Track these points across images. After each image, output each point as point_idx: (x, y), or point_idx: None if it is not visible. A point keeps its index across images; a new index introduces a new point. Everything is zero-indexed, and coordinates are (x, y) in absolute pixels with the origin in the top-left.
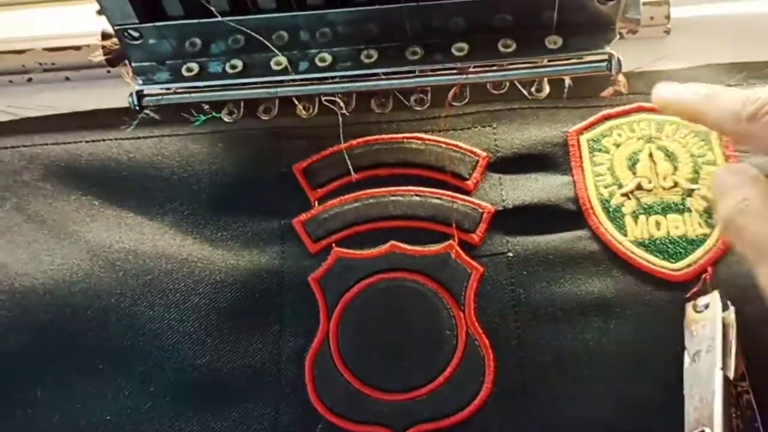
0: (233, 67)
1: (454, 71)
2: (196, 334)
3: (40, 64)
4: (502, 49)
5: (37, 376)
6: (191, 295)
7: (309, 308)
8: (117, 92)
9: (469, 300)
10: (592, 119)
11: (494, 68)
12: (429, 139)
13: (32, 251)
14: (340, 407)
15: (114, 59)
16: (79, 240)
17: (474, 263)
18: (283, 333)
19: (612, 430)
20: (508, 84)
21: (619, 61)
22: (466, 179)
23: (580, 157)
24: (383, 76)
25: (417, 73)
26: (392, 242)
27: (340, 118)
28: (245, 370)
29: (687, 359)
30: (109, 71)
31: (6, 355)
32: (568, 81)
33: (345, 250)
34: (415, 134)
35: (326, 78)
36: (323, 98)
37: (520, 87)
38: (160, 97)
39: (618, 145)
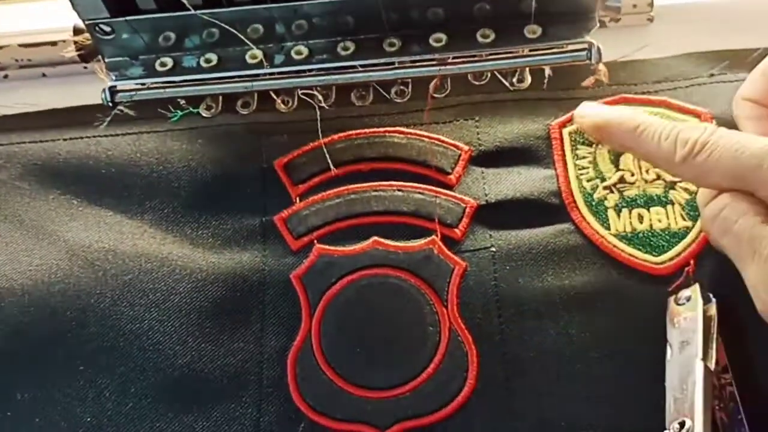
0: (208, 61)
1: (433, 62)
2: (177, 333)
3: (16, 60)
4: (480, 39)
5: (16, 379)
6: (172, 294)
7: (291, 306)
8: (94, 88)
9: (452, 296)
10: (574, 112)
11: (473, 59)
12: (411, 133)
13: (10, 252)
14: (323, 406)
15: (87, 55)
16: (57, 240)
17: (457, 258)
18: (265, 331)
19: (595, 424)
20: (489, 75)
21: (599, 50)
22: (449, 173)
23: (563, 150)
24: (361, 69)
25: (396, 65)
26: (374, 238)
27: (318, 112)
28: (227, 369)
29: (669, 352)
30: (85, 67)
31: None
32: (548, 71)
33: (327, 247)
34: (397, 128)
35: (303, 71)
36: (301, 92)
37: (501, 78)
38: (134, 92)
39: None
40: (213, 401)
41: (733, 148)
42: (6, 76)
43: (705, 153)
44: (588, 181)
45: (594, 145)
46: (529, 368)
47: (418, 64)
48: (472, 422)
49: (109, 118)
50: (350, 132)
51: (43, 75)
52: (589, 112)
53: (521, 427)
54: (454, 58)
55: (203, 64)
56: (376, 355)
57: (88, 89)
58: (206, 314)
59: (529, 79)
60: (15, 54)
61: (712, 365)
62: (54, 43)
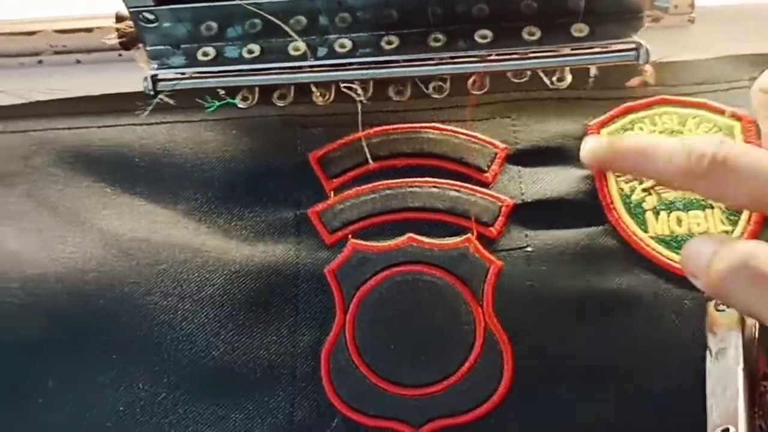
0: (250, 51)
1: (477, 59)
2: (210, 325)
3: (51, 46)
4: (526, 36)
5: (48, 366)
6: (205, 285)
7: (325, 300)
8: (129, 76)
9: (487, 294)
10: (613, 112)
11: (518, 56)
12: (447, 129)
13: (43, 238)
14: (357, 402)
15: (128, 42)
16: (91, 228)
17: (492, 257)
18: (299, 325)
19: (631, 429)
20: (529, 73)
21: (647, 50)
22: (485, 171)
23: None
24: (404, 63)
25: (437, 61)
26: (409, 235)
27: (360, 106)
28: (260, 363)
29: (709, 358)
30: (120, 54)
31: (17, 344)
32: (594, 71)
33: (361, 242)
34: (433, 124)
35: (345, 64)
36: (342, 85)
37: (543, 76)
38: (176, 81)
39: None
40: (246, 394)
41: (753, 164)
42: (41, 62)
43: (721, 167)
44: (626, 182)
45: None
46: (565, 370)
47: (461, 60)
48: (507, 423)
49: (151, 107)
50: (386, 127)
51: (78, 62)
52: (594, 143)
53: (556, 429)
54: (497, 54)
55: (245, 55)
56: (410, 352)
57: (123, 77)
58: (240, 306)
59: (569, 79)
60: (50, 40)
61: (753, 373)
62: (90, 30)
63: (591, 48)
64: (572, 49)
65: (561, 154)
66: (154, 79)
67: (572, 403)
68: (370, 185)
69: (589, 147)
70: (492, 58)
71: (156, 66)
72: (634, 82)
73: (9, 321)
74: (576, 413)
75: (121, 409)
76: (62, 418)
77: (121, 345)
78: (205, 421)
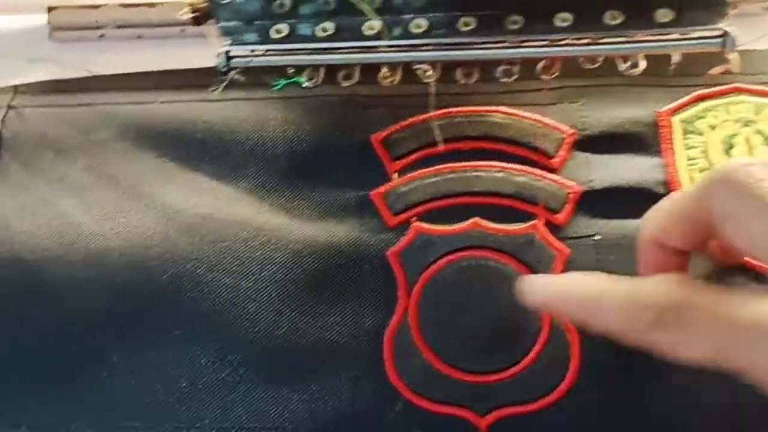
0: (324, 30)
1: (553, 43)
2: (273, 304)
3: (114, 20)
4: (608, 21)
5: (112, 341)
6: (268, 264)
7: (387, 283)
8: (190, 52)
9: None
10: (685, 99)
11: (594, 40)
12: (513, 113)
13: (106, 212)
14: (421, 386)
15: (200, 18)
16: (153, 202)
17: (559, 245)
18: (361, 307)
19: (706, 423)
20: (602, 58)
21: (734, 38)
22: (552, 157)
23: (671, 138)
24: (478, 45)
25: (513, 44)
26: (475, 219)
27: (432, 88)
28: (323, 344)
29: None
30: (182, 30)
31: (81, 318)
32: (676, 57)
33: (425, 225)
34: (499, 107)
35: (420, 45)
36: (414, 66)
37: (618, 62)
38: (250, 58)
39: (713, 128)
40: (309, 375)
41: (712, 316)
42: (102, 36)
43: (676, 319)
44: (699, 171)
45: (705, 135)
46: (634, 359)
47: (536, 43)
48: (574, 412)
49: (225, 83)
50: (451, 109)
51: (139, 37)
52: (535, 288)
53: (624, 419)
54: (573, 39)
55: (319, 33)
56: (475, 338)
57: (183, 53)
58: (302, 286)
59: (642, 65)
60: (113, 14)
61: None
62: (152, 5)
63: (673, 34)
64: (652, 35)
65: (630, 141)
66: (228, 56)
67: (642, 393)
68: (434, 168)
69: (527, 289)
70: (570, 42)
71: (229, 42)
72: (717, 70)
73: (73, 294)
74: (646, 403)
75: (183, 385)
76: (126, 393)
77: (184, 321)
78: (267, 401)
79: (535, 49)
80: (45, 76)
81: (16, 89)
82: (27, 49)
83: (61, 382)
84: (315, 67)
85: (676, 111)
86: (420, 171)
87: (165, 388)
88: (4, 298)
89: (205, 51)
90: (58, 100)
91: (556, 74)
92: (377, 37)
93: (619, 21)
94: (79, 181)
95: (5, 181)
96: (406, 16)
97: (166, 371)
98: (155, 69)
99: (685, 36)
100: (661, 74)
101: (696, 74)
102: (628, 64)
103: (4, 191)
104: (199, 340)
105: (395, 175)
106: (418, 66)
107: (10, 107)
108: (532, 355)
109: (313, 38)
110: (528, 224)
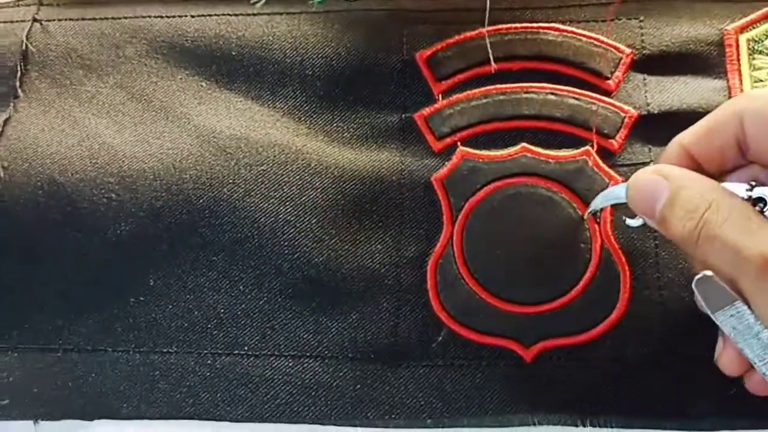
0: None
1: None
2: (313, 231)
3: None
4: None
5: (148, 265)
6: (307, 189)
7: (431, 210)
8: None
9: (605, 212)
10: (753, 17)
11: None
12: (567, 31)
13: (139, 132)
14: (465, 316)
15: None
16: (187, 123)
17: (612, 172)
18: (404, 235)
19: None
20: None
21: None
22: (608, 78)
23: (738, 59)
24: None
25: None
26: (523, 144)
27: (488, 2)
28: (364, 272)
29: None
30: None
31: (118, 241)
32: None
33: (471, 150)
34: (553, 24)
35: None
36: None
37: None
38: None
39: None
40: (349, 303)
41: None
42: None
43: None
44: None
45: None
46: (684, 295)
47: None
48: (621, 347)
49: None
50: (500, 26)
51: None
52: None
53: (672, 353)
54: None
55: None
56: (522, 268)
57: None
58: (343, 213)
59: None
60: None
61: None
62: None
63: None
64: None
65: (692, 62)
66: None
67: (691, 330)
68: (482, 89)
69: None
70: None
71: None
72: None
73: (108, 217)
74: (695, 340)
75: (221, 311)
76: (164, 317)
77: (222, 247)
78: (306, 329)
79: None
80: None
81: (40, 1)
82: None
83: (98, 305)
84: None
85: (743, 29)
86: (466, 92)
87: (202, 314)
88: (44, 222)
89: None
90: (85, 14)
91: None
92: None
93: None
94: (110, 101)
95: (34, 98)
96: None
97: (204, 297)
98: None
99: None
100: None
101: None
102: None
103: (33, 108)
104: (237, 266)
105: (440, 97)
106: None
107: (35, 20)
108: (581, 285)
109: None
110: (580, 150)
